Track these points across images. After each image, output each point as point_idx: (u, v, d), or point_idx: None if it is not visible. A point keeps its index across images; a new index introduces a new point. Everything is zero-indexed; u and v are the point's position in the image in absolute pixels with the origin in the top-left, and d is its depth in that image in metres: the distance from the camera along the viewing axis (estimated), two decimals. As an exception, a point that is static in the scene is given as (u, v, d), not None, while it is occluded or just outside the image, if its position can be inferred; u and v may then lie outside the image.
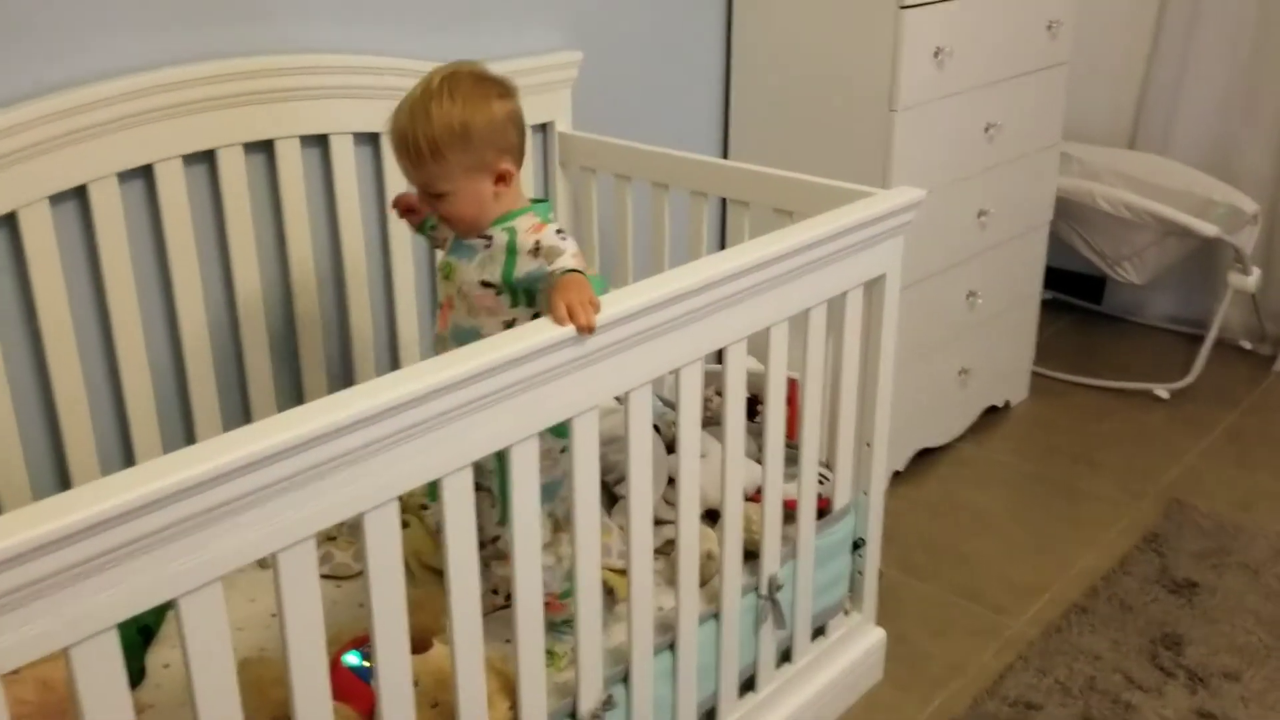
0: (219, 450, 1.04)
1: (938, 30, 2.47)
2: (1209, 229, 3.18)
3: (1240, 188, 3.39)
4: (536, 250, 1.54)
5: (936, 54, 2.47)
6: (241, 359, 1.98)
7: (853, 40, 2.46)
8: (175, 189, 1.83)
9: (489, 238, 1.59)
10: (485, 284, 1.58)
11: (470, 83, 1.54)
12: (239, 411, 2.01)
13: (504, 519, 1.61)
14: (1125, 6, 3.61)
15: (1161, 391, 3.28)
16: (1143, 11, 3.60)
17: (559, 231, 1.56)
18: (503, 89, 1.57)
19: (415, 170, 1.56)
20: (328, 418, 1.11)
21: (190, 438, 1.94)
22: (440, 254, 1.70)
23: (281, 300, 2.03)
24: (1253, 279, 3.27)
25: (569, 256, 1.50)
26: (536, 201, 1.64)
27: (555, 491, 1.67)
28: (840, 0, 2.46)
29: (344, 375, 2.13)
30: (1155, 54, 3.59)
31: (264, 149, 1.94)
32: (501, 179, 1.57)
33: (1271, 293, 3.51)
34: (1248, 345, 3.59)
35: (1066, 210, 3.33)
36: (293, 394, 2.07)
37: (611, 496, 2.01)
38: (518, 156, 1.59)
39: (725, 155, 2.76)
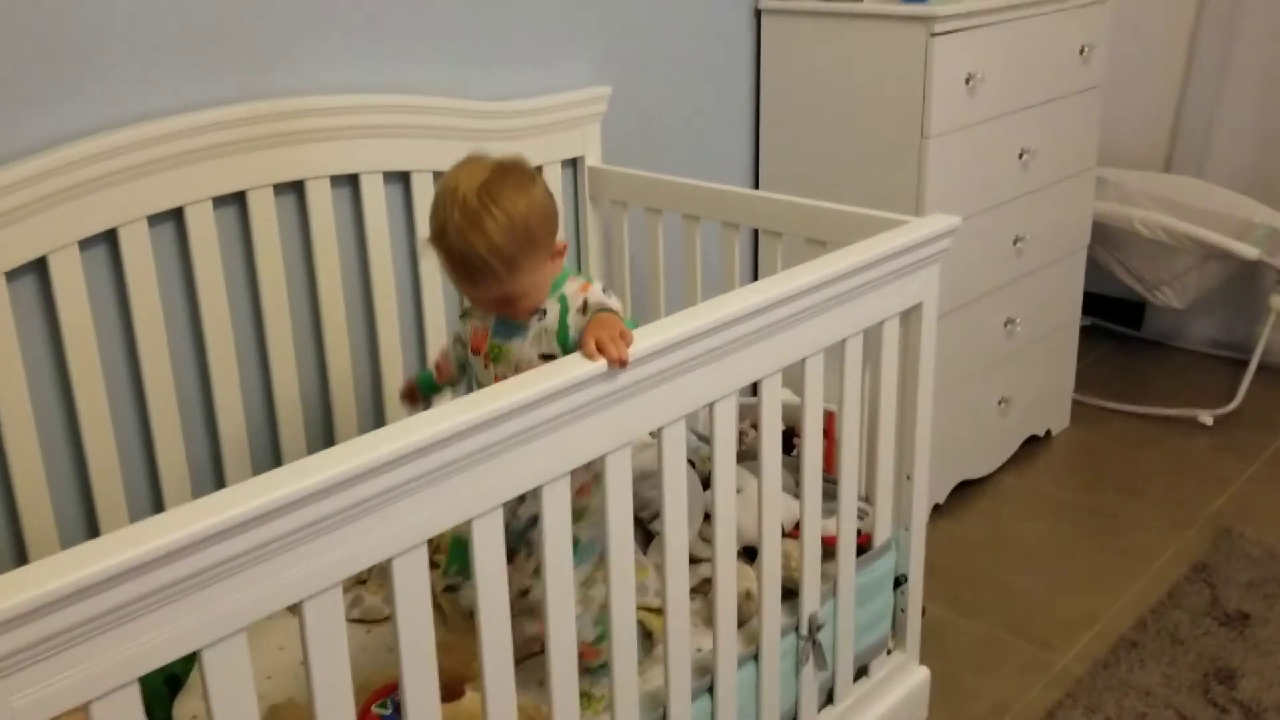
0: (241, 498, 1.02)
1: (969, 56, 2.44)
2: (1249, 251, 3.12)
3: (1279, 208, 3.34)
4: (584, 308, 1.53)
5: (968, 80, 2.44)
6: (272, 399, 1.97)
7: (883, 67, 2.43)
8: (205, 231, 1.82)
9: (543, 310, 1.57)
10: (545, 356, 1.55)
11: (504, 180, 1.50)
12: (269, 453, 1.99)
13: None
14: (1158, 29, 3.57)
15: (1206, 418, 3.22)
16: (1176, 34, 3.56)
17: (605, 290, 1.56)
18: (527, 170, 1.56)
19: (486, 288, 1.51)
20: (354, 461, 1.09)
21: (220, 481, 1.93)
22: (467, 336, 1.67)
23: (312, 340, 2.02)
24: None
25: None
26: None
27: (594, 550, 1.64)
28: (870, 27, 2.44)
29: (375, 416, 2.12)
30: (1190, 76, 3.54)
31: (294, 189, 1.94)
32: (559, 254, 1.57)
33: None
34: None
35: (1104, 235, 3.28)
36: (323, 435, 2.05)
37: (646, 534, 1.98)
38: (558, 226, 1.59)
39: (756, 186, 2.73)
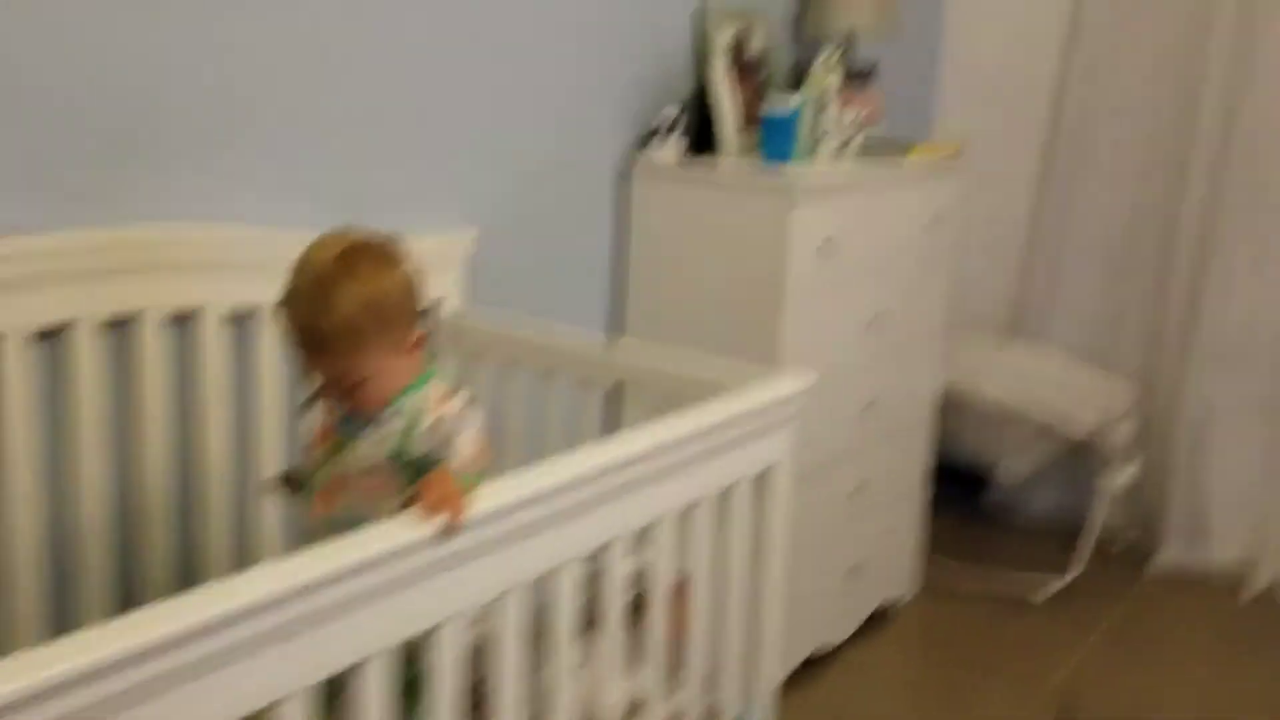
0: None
1: (826, 223, 2.48)
2: (1081, 428, 3.20)
3: (1118, 372, 3.44)
4: (436, 427, 1.41)
5: (824, 245, 2.47)
6: (76, 556, 1.78)
7: (743, 230, 2.46)
8: (14, 367, 1.66)
9: (390, 410, 1.44)
10: (390, 458, 1.44)
11: (366, 254, 1.41)
12: (61, 615, 1.78)
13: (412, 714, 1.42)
14: (1005, 200, 3.74)
15: (1043, 591, 3.23)
16: (1020, 205, 3.73)
17: (472, 402, 1.44)
18: (394, 250, 1.46)
19: (327, 364, 1.40)
20: (138, 638, 0.95)
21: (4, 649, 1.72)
22: (314, 429, 1.54)
23: (125, 492, 1.84)
24: (1124, 477, 3.28)
25: (465, 442, 1.38)
26: None
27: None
28: (730, 194, 2.48)
29: (185, 576, 1.93)
30: (1032, 250, 3.70)
31: (121, 325, 1.80)
32: (417, 345, 1.45)
33: (1146, 489, 3.53)
34: (1125, 542, 3.58)
35: (951, 402, 3.33)
36: (125, 599, 1.85)
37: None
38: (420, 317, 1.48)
39: (622, 326, 2.69)
